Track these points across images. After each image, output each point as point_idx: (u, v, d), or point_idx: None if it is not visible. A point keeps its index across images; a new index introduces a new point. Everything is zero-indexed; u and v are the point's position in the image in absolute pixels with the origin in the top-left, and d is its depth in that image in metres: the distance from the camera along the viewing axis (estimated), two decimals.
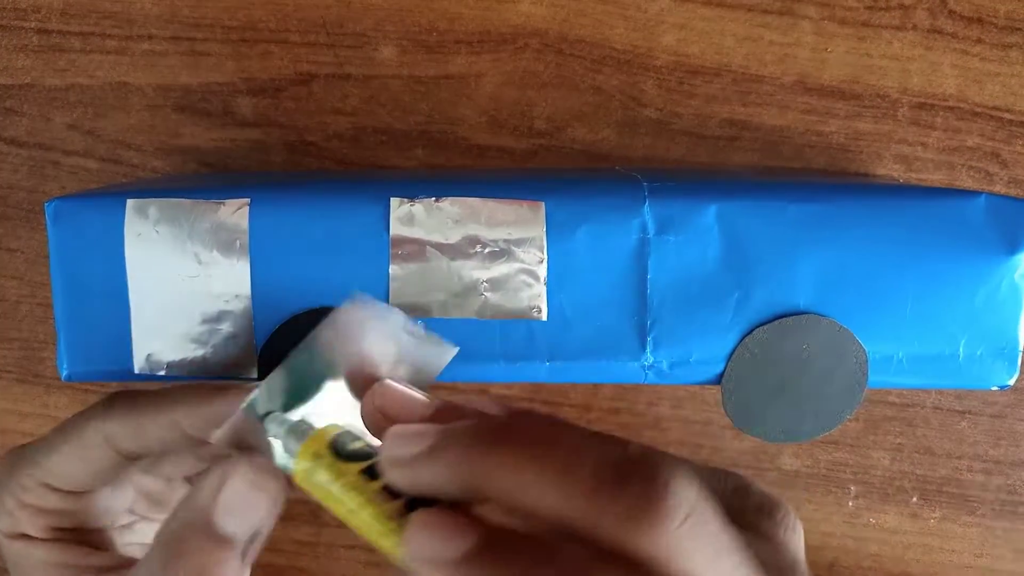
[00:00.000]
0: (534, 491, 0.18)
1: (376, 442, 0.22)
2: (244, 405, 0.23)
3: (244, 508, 0.23)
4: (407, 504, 0.20)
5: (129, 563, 0.28)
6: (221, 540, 0.23)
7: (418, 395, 0.23)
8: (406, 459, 0.20)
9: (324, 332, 0.24)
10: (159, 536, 0.24)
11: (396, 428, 0.20)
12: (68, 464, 0.27)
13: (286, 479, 0.23)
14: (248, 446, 0.23)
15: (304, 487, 0.22)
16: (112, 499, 0.29)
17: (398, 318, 0.24)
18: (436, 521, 0.19)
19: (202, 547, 0.23)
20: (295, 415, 0.23)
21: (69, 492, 0.27)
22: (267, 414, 0.23)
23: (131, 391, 0.27)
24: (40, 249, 0.43)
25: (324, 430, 0.22)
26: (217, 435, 0.23)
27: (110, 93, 0.42)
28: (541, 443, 0.18)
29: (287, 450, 0.23)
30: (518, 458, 0.18)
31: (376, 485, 0.20)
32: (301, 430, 0.23)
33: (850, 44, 0.41)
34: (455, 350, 0.25)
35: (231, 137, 0.42)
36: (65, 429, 0.27)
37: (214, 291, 0.30)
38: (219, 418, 0.24)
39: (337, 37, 0.41)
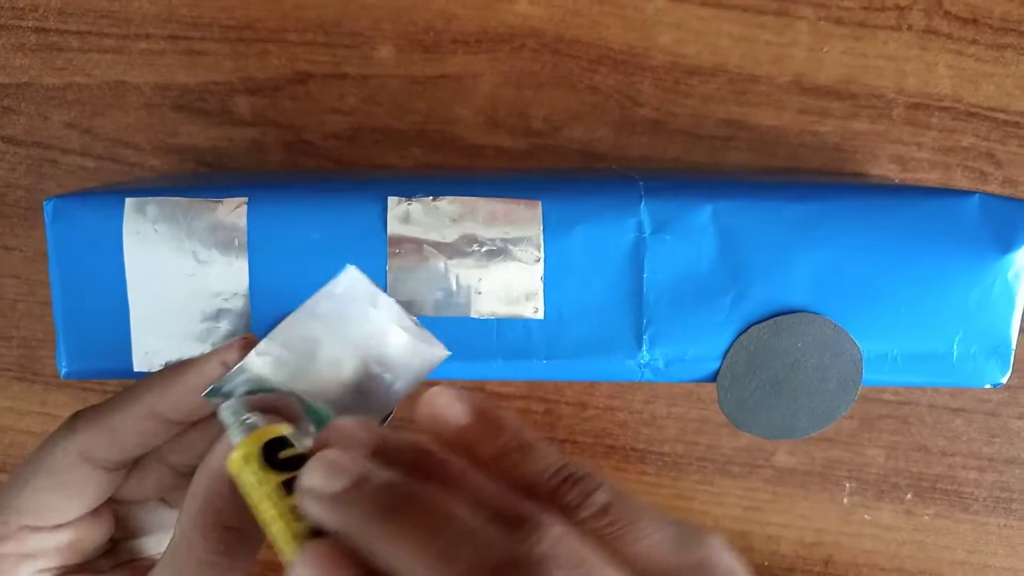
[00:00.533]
0: (407, 569, 0.19)
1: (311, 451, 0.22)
2: (206, 392, 0.23)
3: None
4: (311, 529, 0.20)
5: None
6: None
7: (460, 405, 0.23)
8: (316, 493, 0.20)
9: (320, 304, 0.24)
10: (184, 506, 0.24)
11: (325, 453, 0.21)
12: (45, 497, 0.26)
13: None
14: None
15: (234, 477, 0.23)
16: (97, 527, 0.28)
17: (391, 310, 0.24)
18: (323, 558, 0.19)
19: (228, 500, 0.23)
20: (243, 410, 0.24)
21: (54, 528, 0.26)
22: (226, 397, 0.24)
23: (89, 406, 0.26)
24: (38, 247, 0.43)
25: (263, 431, 0.22)
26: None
27: (108, 92, 0.42)
28: (429, 527, 0.19)
29: (232, 440, 0.23)
30: (402, 537, 0.19)
31: (290, 502, 0.21)
32: (247, 424, 0.23)
33: (846, 44, 0.41)
34: (446, 353, 0.25)
35: (228, 136, 0.42)
36: (33, 460, 0.26)
37: (212, 289, 0.30)
38: (193, 392, 0.24)
39: (334, 37, 0.41)
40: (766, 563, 0.44)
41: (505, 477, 0.22)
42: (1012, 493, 0.44)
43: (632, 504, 0.22)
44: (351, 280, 0.24)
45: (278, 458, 0.22)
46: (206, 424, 0.27)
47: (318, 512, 0.20)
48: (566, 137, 0.42)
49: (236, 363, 0.25)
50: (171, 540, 0.24)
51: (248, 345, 0.25)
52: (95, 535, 0.27)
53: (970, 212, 0.31)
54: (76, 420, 0.26)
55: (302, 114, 0.42)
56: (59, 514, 0.26)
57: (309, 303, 0.24)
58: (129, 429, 0.25)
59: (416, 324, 0.25)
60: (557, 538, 0.19)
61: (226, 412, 0.23)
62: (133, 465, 0.27)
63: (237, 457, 0.22)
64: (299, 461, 0.22)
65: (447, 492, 0.20)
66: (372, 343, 0.25)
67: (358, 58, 0.42)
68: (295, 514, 0.21)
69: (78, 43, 0.42)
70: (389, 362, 0.25)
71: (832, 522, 0.44)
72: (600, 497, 0.22)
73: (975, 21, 0.41)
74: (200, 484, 0.24)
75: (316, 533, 0.20)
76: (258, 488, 0.21)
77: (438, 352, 0.25)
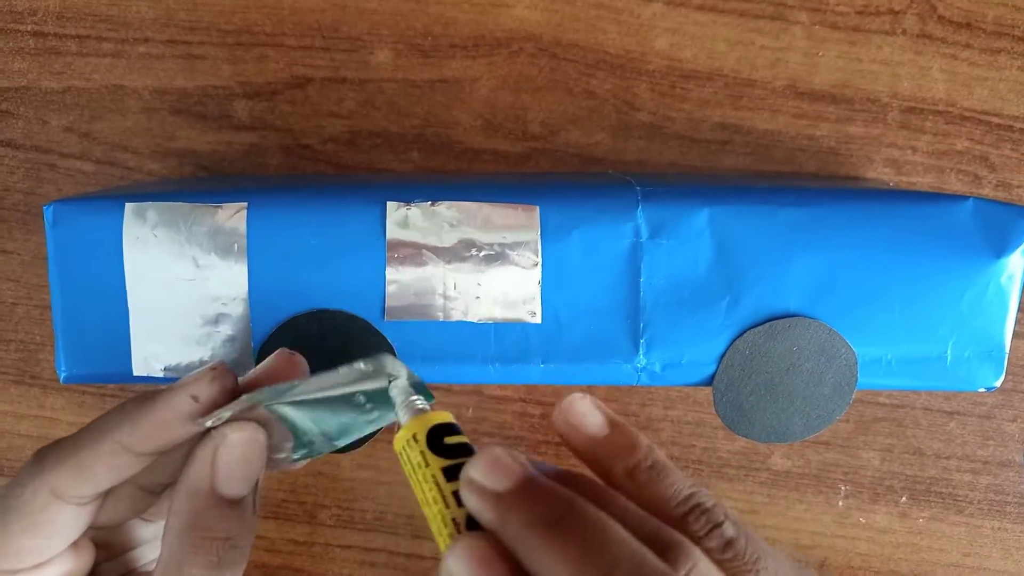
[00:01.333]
0: None
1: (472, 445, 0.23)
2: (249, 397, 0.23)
3: (240, 467, 0.24)
4: (469, 518, 0.21)
5: None
6: (230, 502, 0.24)
7: (598, 415, 0.24)
8: (480, 488, 0.21)
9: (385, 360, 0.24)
10: (168, 526, 0.24)
11: (493, 451, 0.21)
12: (21, 540, 0.25)
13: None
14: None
15: (398, 454, 0.23)
16: (78, 559, 0.27)
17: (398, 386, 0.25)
18: (475, 553, 0.20)
19: (213, 513, 0.23)
20: (411, 391, 0.24)
21: (34, 568, 0.25)
22: (393, 379, 0.24)
23: (55, 441, 0.25)
24: (36, 251, 0.43)
25: (429, 416, 0.23)
26: (208, 422, 0.24)
27: (106, 96, 0.42)
28: (591, 544, 0.19)
29: (400, 419, 0.24)
30: (564, 551, 0.19)
31: (452, 487, 0.21)
32: (415, 406, 0.23)
33: (841, 49, 0.42)
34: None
35: (227, 140, 0.42)
36: (2, 503, 0.25)
37: (212, 294, 0.30)
38: (163, 426, 0.24)
39: (333, 41, 0.42)
40: None
41: (635, 495, 0.23)
42: (1006, 496, 0.44)
43: (754, 541, 0.22)
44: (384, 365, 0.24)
45: (443, 443, 0.22)
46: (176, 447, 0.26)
47: (478, 506, 0.21)
48: (563, 141, 0.42)
49: (206, 395, 0.24)
50: (160, 559, 0.24)
51: (218, 376, 0.24)
52: (78, 566, 0.27)
53: (964, 216, 0.31)
54: (43, 458, 0.25)
55: (300, 118, 0.42)
56: (37, 554, 0.25)
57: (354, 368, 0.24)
58: (99, 465, 0.24)
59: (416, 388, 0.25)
60: (707, 570, 0.20)
61: (396, 391, 0.24)
62: (106, 494, 0.26)
63: (404, 435, 0.23)
64: (462, 450, 0.22)
65: (605, 511, 0.20)
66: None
67: (356, 62, 0.42)
68: (454, 499, 0.21)
69: (76, 47, 0.42)
70: (377, 401, 0.25)
71: (827, 525, 0.44)
72: (727, 531, 0.22)
73: (969, 25, 0.41)
74: (183, 502, 0.24)
75: (473, 522, 0.21)
76: (422, 469, 0.22)
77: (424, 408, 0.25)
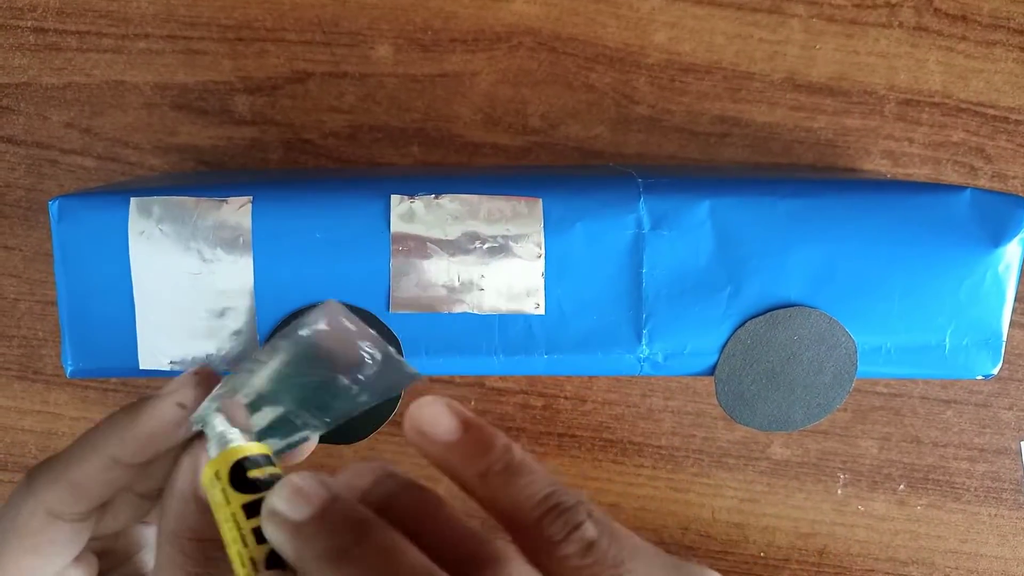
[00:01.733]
0: None
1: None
2: (192, 417, 0.23)
3: None
4: (269, 555, 0.20)
5: None
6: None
7: (449, 417, 0.22)
8: (281, 519, 0.20)
9: (298, 331, 0.24)
10: (159, 529, 0.24)
11: (294, 479, 0.20)
12: (23, 562, 0.25)
13: None
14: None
15: (206, 493, 0.22)
16: (82, 571, 0.27)
17: (363, 338, 0.24)
18: None
19: (199, 517, 0.23)
20: (220, 425, 0.23)
21: None
22: (208, 416, 0.23)
23: (44, 460, 0.25)
24: (38, 247, 0.43)
25: (234, 450, 0.22)
26: (196, 426, 0.24)
27: (107, 91, 0.42)
28: (373, 574, 0.18)
29: (209, 453, 0.23)
30: None
31: (253, 523, 0.21)
32: (223, 440, 0.23)
33: (838, 42, 0.42)
34: (419, 376, 0.25)
35: (228, 135, 0.42)
36: (0, 526, 0.25)
37: (217, 288, 0.31)
38: (151, 437, 0.24)
39: (333, 36, 0.42)
40: (762, 554, 0.45)
41: (488, 501, 0.21)
42: (1002, 483, 0.44)
43: (622, 541, 0.20)
44: (332, 312, 0.24)
45: (248, 478, 0.21)
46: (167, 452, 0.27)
47: (278, 538, 0.20)
48: (563, 134, 0.43)
49: (192, 401, 0.24)
50: (155, 560, 0.25)
51: (202, 380, 0.24)
52: None
53: (961, 206, 0.32)
54: (35, 479, 0.25)
55: (301, 113, 0.42)
56: (42, 573, 0.25)
57: (287, 330, 0.24)
58: (92, 481, 0.24)
59: (392, 352, 0.24)
60: None
61: (208, 424, 0.23)
62: (104, 504, 0.26)
63: (208, 473, 0.22)
64: (269, 484, 0.21)
65: (405, 535, 0.19)
66: (345, 363, 0.24)
67: (357, 57, 0.42)
68: (254, 537, 0.20)
69: (77, 43, 0.42)
70: (359, 380, 0.25)
71: (827, 513, 0.45)
72: (587, 532, 0.20)
73: (964, 18, 0.42)
74: (170, 504, 0.24)
75: (275, 559, 0.20)
76: (222, 508, 0.21)
77: (408, 377, 0.25)
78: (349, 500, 0.20)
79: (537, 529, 0.20)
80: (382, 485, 0.21)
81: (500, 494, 0.21)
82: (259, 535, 0.20)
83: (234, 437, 0.23)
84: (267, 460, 0.22)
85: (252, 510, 0.21)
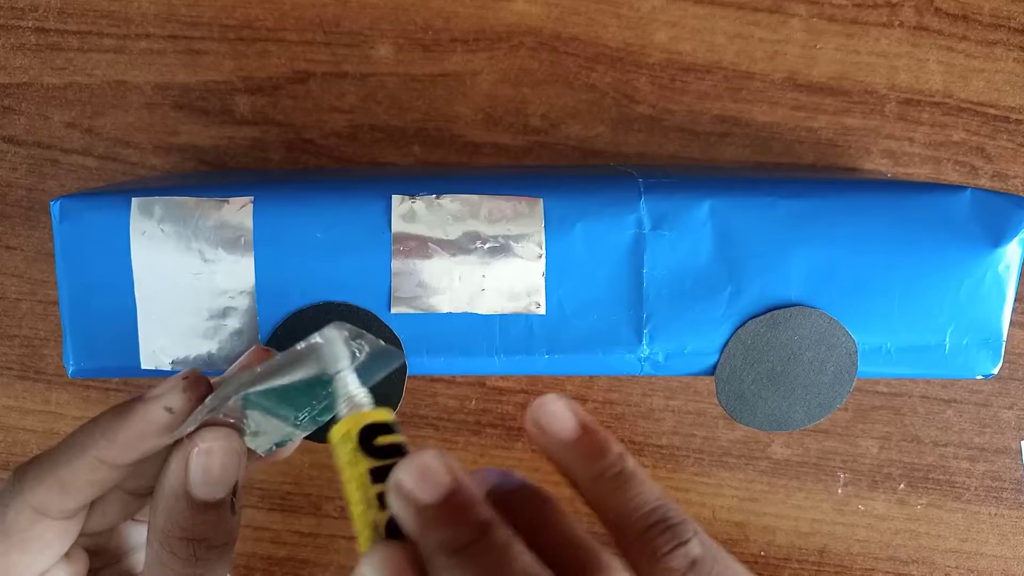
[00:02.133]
0: None
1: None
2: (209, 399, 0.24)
3: (214, 472, 0.24)
4: (389, 522, 0.21)
5: None
6: (206, 505, 0.24)
7: (569, 417, 0.23)
8: (407, 495, 0.20)
9: (298, 348, 0.24)
10: (149, 528, 0.24)
11: (425, 457, 0.21)
12: (11, 559, 0.25)
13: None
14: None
15: (333, 449, 0.23)
16: (72, 569, 0.27)
17: (355, 338, 0.24)
18: (390, 564, 0.19)
19: (188, 516, 0.24)
20: (352, 385, 0.24)
21: None
22: (337, 372, 0.24)
23: (32, 458, 0.26)
24: (39, 246, 0.43)
25: (364, 414, 0.22)
26: (187, 428, 0.24)
27: (108, 91, 0.42)
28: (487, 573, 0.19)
29: (338, 414, 0.23)
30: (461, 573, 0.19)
31: (378, 488, 0.21)
32: (353, 402, 0.23)
33: (839, 41, 0.42)
34: (402, 358, 0.25)
35: (229, 135, 0.42)
36: None
37: (219, 287, 0.31)
38: (139, 438, 0.24)
39: (334, 36, 0.42)
40: (762, 553, 0.45)
41: (598, 504, 0.22)
42: (1003, 482, 0.45)
43: (723, 562, 0.21)
44: (330, 328, 0.24)
45: (375, 443, 0.22)
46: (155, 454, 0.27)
47: (403, 512, 0.20)
48: (564, 134, 0.43)
49: (179, 405, 0.24)
50: (146, 559, 0.25)
51: (191, 385, 0.25)
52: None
53: (962, 206, 0.32)
54: (22, 477, 0.25)
55: (302, 113, 0.42)
56: (29, 571, 0.25)
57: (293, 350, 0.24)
58: (79, 480, 0.24)
59: (379, 342, 0.25)
60: None
61: (338, 382, 0.23)
62: (93, 502, 0.27)
63: (338, 431, 0.22)
64: (395, 451, 0.22)
65: (521, 537, 0.20)
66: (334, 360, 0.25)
67: (357, 57, 0.42)
68: (378, 503, 0.21)
69: (78, 43, 0.42)
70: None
71: (827, 512, 0.45)
72: (693, 550, 0.21)
73: (965, 17, 0.42)
74: (160, 504, 0.24)
75: (394, 526, 0.20)
76: (348, 469, 0.22)
77: (395, 359, 0.25)
78: (473, 493, 0.20)
79: (643, 540, 0.21)
80: (502, 483, 0.22)
81: (610, 499, 0.22)
82: (382, 501, 0.21)
83: (365, 401, 0.23)
84: (392, 428, 0.22)
85: (377, 475, 0.21)
